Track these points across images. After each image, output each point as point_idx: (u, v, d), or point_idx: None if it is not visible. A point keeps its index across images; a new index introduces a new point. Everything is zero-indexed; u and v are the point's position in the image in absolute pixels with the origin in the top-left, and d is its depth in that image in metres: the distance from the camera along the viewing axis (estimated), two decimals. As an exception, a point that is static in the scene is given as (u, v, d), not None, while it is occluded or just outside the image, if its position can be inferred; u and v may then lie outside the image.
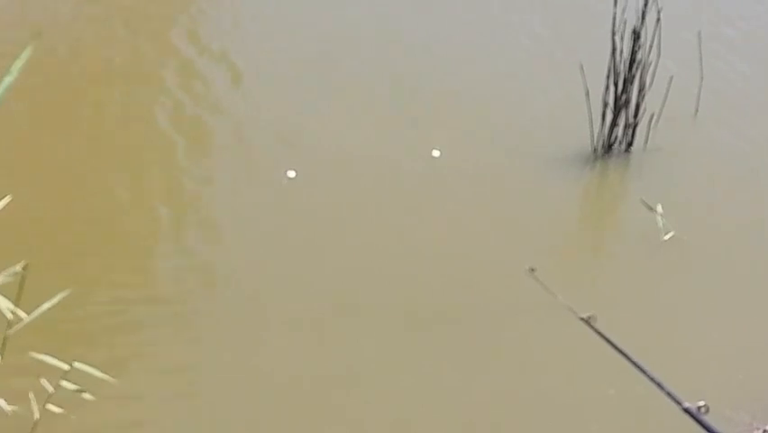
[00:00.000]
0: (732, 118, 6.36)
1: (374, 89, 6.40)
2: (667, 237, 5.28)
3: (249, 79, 6.47)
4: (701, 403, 3.61)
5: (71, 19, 6.99)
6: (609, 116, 5.94)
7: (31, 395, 3.50)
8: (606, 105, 5.91)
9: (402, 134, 6.01)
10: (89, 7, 7.15)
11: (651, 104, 5.97)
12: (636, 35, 5.82)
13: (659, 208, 5.35)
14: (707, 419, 3.59)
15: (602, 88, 5.88)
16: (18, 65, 2.80)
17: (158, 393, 4.30)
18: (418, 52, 6.80)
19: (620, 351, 3.92)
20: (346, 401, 4.32)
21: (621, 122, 5.96)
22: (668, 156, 6.01)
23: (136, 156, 5.77)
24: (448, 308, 4.82)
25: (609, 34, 5.79)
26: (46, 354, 3.37)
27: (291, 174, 5.59)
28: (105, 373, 3.41)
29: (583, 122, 5.91)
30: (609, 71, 5.87)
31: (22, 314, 3.25)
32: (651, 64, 5.89)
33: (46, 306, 3.25)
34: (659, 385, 3.76)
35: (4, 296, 3.26)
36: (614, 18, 5.78)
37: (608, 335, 3.99)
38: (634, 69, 5.86)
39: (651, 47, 5.87)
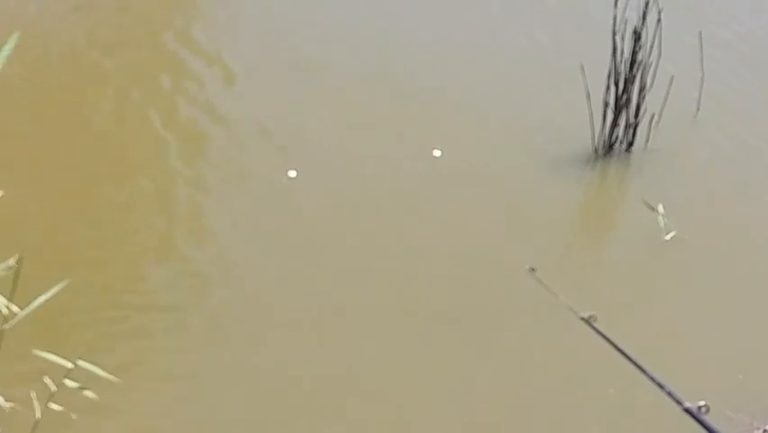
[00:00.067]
0: (733, 118, 6.35)
1: (374, 89, 6.39)
2: (669, 237, 5.28)
3: (249, 79, 6.46)
4: (702, 403, 3.60)
5: (65, 19, 6.96)
6: (610, 117, 5.94)
7: (32, 394, 3.50)
8: (606, 105, 5.91)
9: (402, 134, 6.01)
10: (83, 8, 7.11)
11: (652, 104, 5.97)
12: (637, 35, 5.82)
13: (660, 208, 5.35)
14: (707, 419, 3.58)
15: (603, 89, 5.88)
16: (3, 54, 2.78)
17: (158, 393, 4.30)
18: (419, 52, 6.80)
19: (621, 351, 3.91)
20: (346, 401, 4.32)
21: (622, 122, 5.96)
22: (669, 156, 6.00)
23: (135, 157, 5.77)
24: (448, 308, 4.82)
25: (610, 35, 5.78)
26: (46, 354, 3.37)
27: (292, 174, 5.59)
28: (105, 372, 3.41)
29: (584, 122, 5.90)
30: (610, 71, 5.86)
31: (14, 308, 3.25)
32: (651, 64, 5.88)
33: (42, 298, 3.25)
34: (659, 385, 3.74)
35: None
36: (614, 18, 5.77)
37: (608, 335, 3.98)
38: (634, 69, 5.86)
39: (651, 47, 5.86)
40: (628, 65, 5.86)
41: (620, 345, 3.94)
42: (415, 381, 4.42)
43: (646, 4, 5.80)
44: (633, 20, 5.81)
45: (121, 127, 5.99)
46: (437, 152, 5.82)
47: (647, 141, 6.03)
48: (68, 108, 6.17)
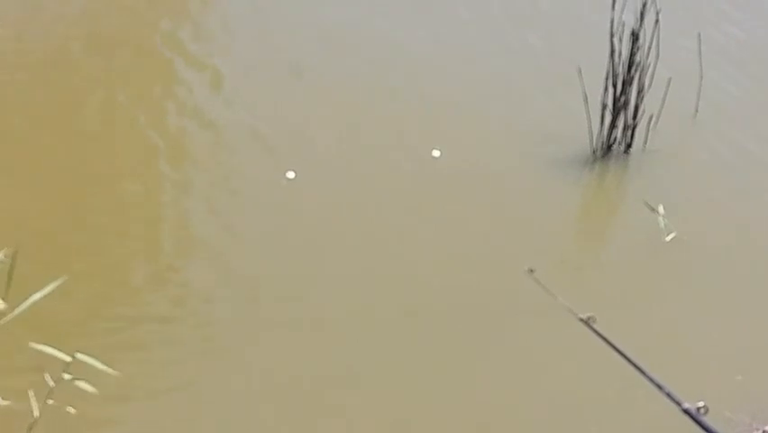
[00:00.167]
0: (731, 118, 6.36)
1: (374, 89, 6.40)
2: (669, 238, 5.28)
3: (249, 79, 6.46)
4: (701, 404, 3.61)
5: (55, 22, 6.94)
6: (608, 118, 5.95)
7: (31, 392, 3.51)
8: (605, 106, 5.92)
9: (402, 134, 6.01)
10: (73, 10, 7.09)
11: (650, 105, 5.98)
12: (635, 37, 5.82)
13: (661, 209, 5.35)
14: (706, 419, 3.60)
15: (601, 90, 5.88)
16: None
17: (158, 392, 4.31)
18: (418, 52, 6.80)
19: (620, 352, 3.92)
20: (346, 401, 4.33)
21: (620, 123, 5.97)
22: (667, 157, 6.01)
23: (133, 157, 5.77)
24: (447, 308, 4.82)
25: (608, 37, 5.79)
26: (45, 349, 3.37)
27: (290, 175, 5.59)
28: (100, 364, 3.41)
29: (582, 123, 5.91)
30: (608, 73, 5.87)
31: (2, 305, 3.26)
32: (650, 65, 5.89)
33: (37, 295, 3.26)
34: (658, 386, 3.76)
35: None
36: (612, 20, 5.78)
37: (607, 335, 3.99)
38: (632, 70, 5.87)
39: (649, 48, 5.87)
40: (626, 66, 5.86)
41: (619, 346, 3.95)
42: (414, 381, 4.42)
43: (644, 6, 5.81)
44: (630, 22, 5.82)
45: (110, 130, 5.97)
46: (436, 153, 5.82)
47: (645, 142, 6.04)
48: (62, 112, 6.15)
